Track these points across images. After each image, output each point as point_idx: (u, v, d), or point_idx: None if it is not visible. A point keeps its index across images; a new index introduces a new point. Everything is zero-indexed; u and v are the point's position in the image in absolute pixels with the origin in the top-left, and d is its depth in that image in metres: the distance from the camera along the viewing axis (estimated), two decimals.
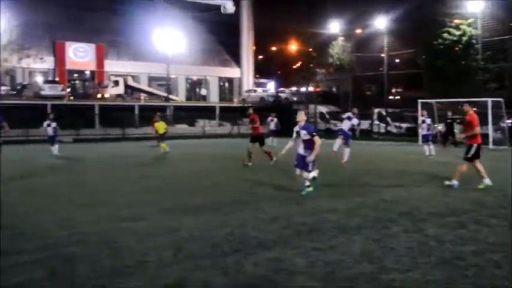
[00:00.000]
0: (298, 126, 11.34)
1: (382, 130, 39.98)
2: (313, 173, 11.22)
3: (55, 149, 22.69)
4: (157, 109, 39.28)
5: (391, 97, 54.40)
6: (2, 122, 14.49)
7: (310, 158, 10.89)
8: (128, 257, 6.47)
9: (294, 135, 11.50)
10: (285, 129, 24.57)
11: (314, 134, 11.15)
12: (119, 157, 22.24)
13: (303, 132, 11.19)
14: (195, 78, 63.01)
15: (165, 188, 12.69)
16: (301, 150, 11.24)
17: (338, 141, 18.44)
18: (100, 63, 54.26)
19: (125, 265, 6.14)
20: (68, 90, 49.81)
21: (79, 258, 6.42)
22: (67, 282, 5.57)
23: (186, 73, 59.63)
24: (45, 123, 23.64)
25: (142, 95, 52.40)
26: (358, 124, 19.30)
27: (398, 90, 59.81)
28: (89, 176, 15.65)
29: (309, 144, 11.06)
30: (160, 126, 24.69)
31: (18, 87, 46.78)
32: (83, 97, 51.42)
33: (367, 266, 6.04)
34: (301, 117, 11.32)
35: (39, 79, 50.70)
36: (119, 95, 49.61)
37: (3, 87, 46.72)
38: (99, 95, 50.48)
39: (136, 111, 42.68)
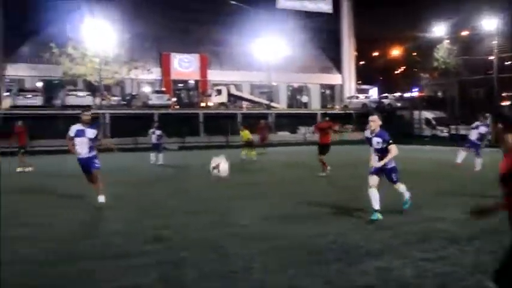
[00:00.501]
0: (369, 131, 9.37)
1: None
2: (402, 187, 9.70)
3: (159, 157, 23.00)
4: (260, 117, 39.87)
5: (502, 102, 51.68)
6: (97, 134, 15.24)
7: (378, 164, 9.18)
8: (234, 263, 6.58)
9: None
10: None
11: (391, 142, 9.12)
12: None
13: (376, 140, 9.23)
14: (296, 85, 63.20)
15: (267, 195, 12.79)
16: (375, 162, 9.28)
17: (462, 153, 18.07)
18: (204, 73, 55.85)
19: (231, 270, 6.25)
20: (174, 99, 51.58)
21: (188, 263, 6.61)
22: (178, 286, 5.73)
23: (287, 81, 59.97)
24: (150, 131, 24.21)
25: (245, 103, 53.23)
26: (486, 132, 17.68)
27: (510, 94, 56.72)
28: (193, 183, 16.07)
29: (383, 154, 9.20)
30: (245, 135, 25.48)
31: (128, 98, 49.14)
32: (187, 106, 53.09)
33: (480, 277, 5.74)
34: (375, 122, 9.28)
35: (146, 89, 52.96)
36: (222, 104, 50.69)
37: (114, 98, 49.33)
38: (203, 104, 51.89)
39: (239, 119, 43.41)
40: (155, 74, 52.21)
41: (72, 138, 11.19)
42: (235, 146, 36.04)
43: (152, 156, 23.28)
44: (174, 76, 54.89)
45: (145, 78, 51.09)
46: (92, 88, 45.47)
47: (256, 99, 55.80)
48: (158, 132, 23.66)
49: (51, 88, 48.98)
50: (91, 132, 11.17)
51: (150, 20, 50.68)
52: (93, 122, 11.87)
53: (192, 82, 57.74)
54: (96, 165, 11.23)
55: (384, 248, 7.14)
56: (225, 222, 9.28)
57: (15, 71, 46.68)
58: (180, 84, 58.07)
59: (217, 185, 14.90)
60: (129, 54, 45.46)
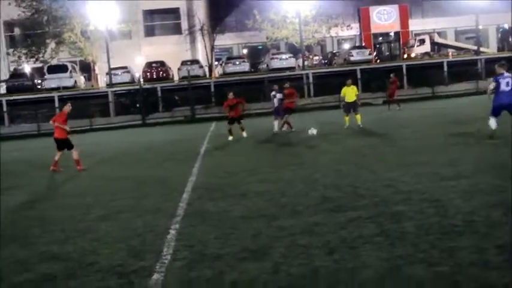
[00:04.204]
0: None
1: None
2: None
3: (279, 123, 20.26)
4: (468, 64, 37.51)
5: None
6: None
7: None
8: (454, 216, 6.38)
9: None
10: None
11: None
12: (428, 117, 21.80)
13: None
14: (507, 26, 57.92)
15: (485, 145, 12.04)
16: None
17: None
18: (404, 23, 53.82)
19: (452, 224, 6.08)
20: (374, 53, 50.70)
21: (405, 216, 6.57)
22: (397, 239, 5.74)
23: (497, 22, 55.20)
24: (272, 94, 21.20)
25: (450, 51, 50.37)
26: None
27: None
28: (403, 135, 15.77)
29: None
30: (350, 93, 20.03)
31: (329, 56, 49.51)
32: (389, 59, 51.84)
33: None
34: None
35: (346, 46, 52.77)
36: (425, 53, 48.56)
37: (315, 57, 49.99)
38: (405, 55, 50.25)
39: (445, 67, 41.21)
40: (354, 29, 51.76)
41: None
42: (442, 96, 34.59)
43: (275, 123, 20.36)
44: (373, 30, 53.79)
45: (345, 35, 50.93)
46: (294, 50, 46.62)
47: (463, 45, 52.36)
48: (279, 95, 20.41)
49: (255, 54, 51.34)
50: None
51: None
52: None
53: (392, 34, 56.09)
54: None
55: None
56: (442, 174, 9.00)
57: (223, 40, 49.59)
58: (380, 38, 56.79)
59: (432, 136, 14.47)
60: (327, 13, 45.62)
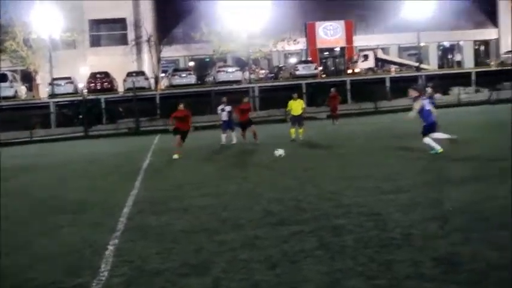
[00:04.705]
0: None
1: None
2: None
3: (228, 136, 20.32)
4: (410, 80, 38.46)
5: None
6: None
7: None
8: (393, 229, 6.50)
9: None
10: None
11: None
12: (371, 132, 22.29)
13: None
14: (447, 44, 59.98)
15: (425, 159, 12.38)
16: None
17: None
18: (349, 39, 54.96)
19: (391, 237, 6.19)
20: (320, 68, 51.46)
21: (345, 230, 6.66)
22: (336, 253, 5.79)
23: (437, 39, 57.04)
24: (219, 108, 20.88)
25: (393, 67, 51.69)
26: None
27: None
28: (346, 149, 16.03)
29: None
30: (296, 106, 20.14)
31: (275, 70, 49.96)
32: (334, 74, 52.72)
33: None
34: None
35: (293, 60, 53.38)
36: (369, 69, 49.68)
37: (262, 71, 50.35)
38: (349, 71, 51.23)
39: (388, 83, 42.22)
40: (301, 44, 52.42)
41: None
42: (384, 111, 35.37)
43: (223, 136, 20.24)
44: (319, 45, 54.72)
45: (291, 49, 51.48)
46: (240, 63, 46.81)
47: (405, 61, 53.87)
48: (228, 108, 20.45)
49: (202, 66, 51.29)
50: None
51: None
52: None
53: (337, 49, 57.15)
54: None
55: None
56: (382, 188, 9.17)
57: (170, 52, 49.25)
58: (325, 53, 57.75)
59: (372, 151, 14.75)
60: (274, 27, 46.05)
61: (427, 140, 12.85)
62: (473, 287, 4.57)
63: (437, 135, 12.99)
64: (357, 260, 5.45)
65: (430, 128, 12.97)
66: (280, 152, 15.18)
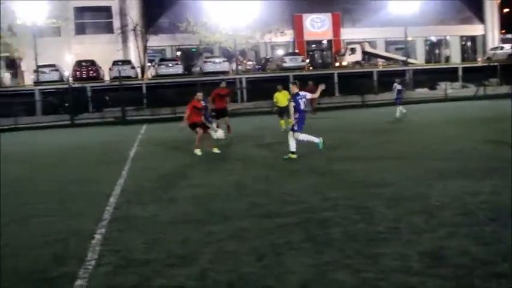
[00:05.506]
0: None
1: None
2: None
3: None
4: (396, 74, 38.52)
5: None
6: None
7: None
8: (379, 223, 6.53)
9: None
10: None
11: None
12: (357, 124, 22.39)
13: None
14: (434, 39, 60.23)
15: (409, 154, 12.47)
16: None
17: None
18: (336, 31, 54.94)
19: (377, 231, 6.22)
20: (307, 60, 51.47)
21: (332, 223, 6.67)
22: (323, 245, 5.82)
23: (424, 34, 57.25)
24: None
25: (380, 61, 51.83)
26: None
27: None
28: (334, 142, 16.06)
29: None
30: (281, 98, 20.04)
31: (262, 61, 49.88)
32: (321, 66, 52.75)
33: None
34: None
35: (280, 52, 53.31)
36: (356, 62, 49.76)
37: (249, 63, 50.23)
38: (337, 64, 51.29)
39: (375, 77, 42.36)
40: (288, 36, 52.32)
41: None
42: (371, 105, 35.50)
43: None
44: (306, 37, 54.62)
45: (278, 41, 51.42)
46: (227, 54, 46.66)
47: (392, 55, 54.02)
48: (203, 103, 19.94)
49: (189, 56, 51.04)
50: None
51: None
52: None
53: (324, 42, 57.15)
54: None
55: None
56: (368, 181, 9.21)
57: (156, 41, 48.94)
58: (313, 45, 57.73)
59: (358, 145, 14.81)
60: (262, 19, 45.88)
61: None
62: (458, 281, 4.61)
63: None
64: (344, 253, 5.48)
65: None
66: (219, 133, 15.08)
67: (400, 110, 23.21)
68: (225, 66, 41.90)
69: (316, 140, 12.86)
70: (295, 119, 12.81)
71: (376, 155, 12.74)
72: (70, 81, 38.10)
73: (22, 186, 11.14)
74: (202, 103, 15.88)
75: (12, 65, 44.74)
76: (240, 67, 44.94)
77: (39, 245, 6.48)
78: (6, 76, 41.52)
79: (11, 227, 7.47)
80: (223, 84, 19.53)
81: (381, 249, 5.53)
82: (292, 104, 12.89)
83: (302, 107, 12.79)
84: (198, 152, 14.31)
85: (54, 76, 38.82)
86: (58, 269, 5.52)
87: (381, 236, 6.02)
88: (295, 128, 12.65)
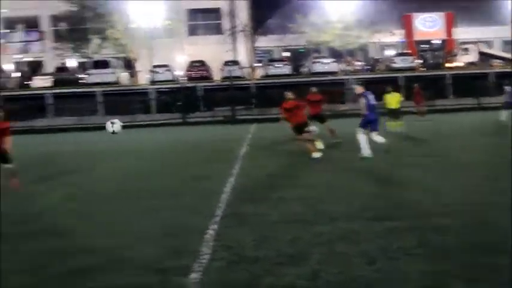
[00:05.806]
0: None
1: None
2: None
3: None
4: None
5: None
6: None
7: None
8: (495, 232, 6.24)
9: None
10: None
11: None
12: (467, 128, 21.41)
13: None
14: None
15: None
16: None
17: None
18: (449, 31, 52.97)
19: (493, 241, 5.93)
20: (419, 61, 49.94)
21: (448, 230, 6.46)
22: (436, 253, 5.64)
23: None
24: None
25: (496, 62, 49.16)
26: None
27: None
28: (446, 146, 15.50)
29: None
30: (392, 100, 20.25)
31: (371, 62, 49.07)
32: (433, 67, 50.98)
33: None
34: None
35: (390, 52, 52.13)
36: (471, 63, 47.56)
37: (358, 63, 49.59)
38: (449, 64, 49.33)
39: (492, 79, 40.20)
40: (398, 36, 51.11)
41: None
42: (487, 108, 33.77)
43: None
44: (417, 37, 53.08)
45: (388, 41, 50.37)
46: (336, 54, 46.34)
47: (511, 56, 51.14)
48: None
49: (296, 57, 51.23)
50: None
51: None
52: None
53: (437, 42, 55.19)
54: None
55: None
56: (487, 189, 8.82)
57: (264, 42, 49.61)
58: (424, 45, 55.95)
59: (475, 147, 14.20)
60: (370, 18, 45.20)
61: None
62: None
63: None
64: (461, 263, 5.31)
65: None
66: (115, 127, 14.66)
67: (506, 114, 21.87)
68: (333, 66, 41.58)
69: (366, 150, 13.05)
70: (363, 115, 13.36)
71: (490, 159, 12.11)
72: (180, 80, 39.50)
73: (134, 182, 11.67)
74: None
75: (129, 65, 47.04)
76: (348, 67, 44.46)
77: (156, 237, 6.81)
78: (125, 76, 43.63)
79: (127, 219, 7.93)
80: (313, 89, 18.15)
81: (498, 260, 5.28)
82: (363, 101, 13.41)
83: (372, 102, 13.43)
84: (316, 154, 13.63)
85: (168, 76, 40.40)
86: (174, 261, 5.77)
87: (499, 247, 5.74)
88: (360, 124, 13.37)
